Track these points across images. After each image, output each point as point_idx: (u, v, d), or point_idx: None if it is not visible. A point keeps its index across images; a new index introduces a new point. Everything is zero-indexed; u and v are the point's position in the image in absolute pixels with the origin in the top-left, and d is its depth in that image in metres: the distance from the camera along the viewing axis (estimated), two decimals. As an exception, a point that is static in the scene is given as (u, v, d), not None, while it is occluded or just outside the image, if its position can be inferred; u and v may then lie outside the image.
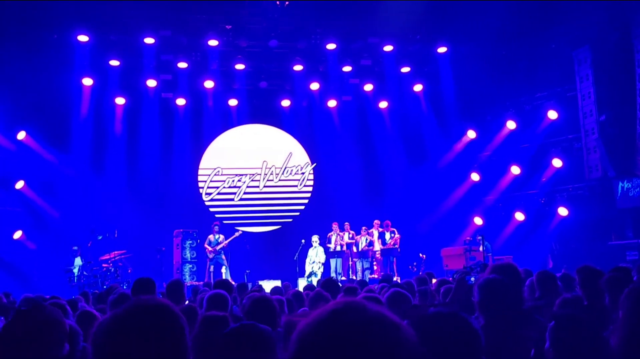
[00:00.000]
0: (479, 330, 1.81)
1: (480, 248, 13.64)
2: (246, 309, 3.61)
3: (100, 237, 14.77)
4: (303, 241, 16.27)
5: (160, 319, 1.69)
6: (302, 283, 14.76)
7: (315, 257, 16.19)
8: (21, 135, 15.38)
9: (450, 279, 7.60)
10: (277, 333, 3.60)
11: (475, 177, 17.63)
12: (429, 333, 1.73)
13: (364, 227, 16.67)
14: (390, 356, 1.07)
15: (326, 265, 16.52)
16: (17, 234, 15.14)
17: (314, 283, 13.20)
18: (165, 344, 1.66)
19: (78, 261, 14.49)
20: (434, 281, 7.94)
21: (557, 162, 15.64)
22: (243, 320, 4.52)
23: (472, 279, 4.40)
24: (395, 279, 12.35)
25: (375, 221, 16.66)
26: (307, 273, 16.06)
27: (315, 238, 16.31)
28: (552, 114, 15.66)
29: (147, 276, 4.91)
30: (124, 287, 11.50)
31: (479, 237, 13.55)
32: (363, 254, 16.43)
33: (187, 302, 6.61)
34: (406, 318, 1.78)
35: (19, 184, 15.41)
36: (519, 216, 16.43)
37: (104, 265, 14.20)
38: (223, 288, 5.59)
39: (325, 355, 1.06)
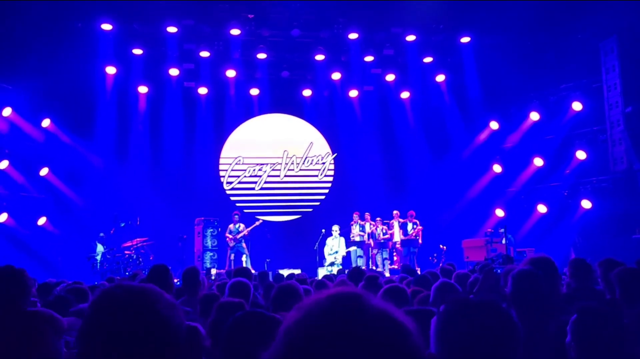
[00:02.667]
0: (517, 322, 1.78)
1: (503, 240, 13.54)
2: (272, 297, 3.62)
3: (123, 225, 14.93)
4: (323, 230, 16.33)
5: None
6: (321, 272, 14.81)
7: (336, 247, 16.23)
8: (46, 122, 15.56)
9: (468, 271, 7.56)
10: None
11: (497, 168, 17.48)
12: (468, 321, 1.71)
13: (378, 219, 16.62)
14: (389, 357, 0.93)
15: (347, 255, 16.56)
16: (42, 221, 15.36)
17: (335, 272, 13.22)
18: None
19: (100, 248, 14.67)
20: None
21: (581, 154, 15.43)
22: (264, 307, 4.55)
23: (498, 271, 4.37)
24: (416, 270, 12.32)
25: (395, 212, 16.62)
26: (327, 263, 16.09)
27: (335, 228, 16.34)
28: (577, 106, 15.44)
29: (163, 264, 4.96)
30: (145, 273, 11.61)
31: (501, 230, 13.43)
32: (383, 245, 16.41)
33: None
34: (444, 304, 1.76)
35: (44, 171, 15.61)
36: (542, 209, 16.28)
37: (126, 252, 14.37)
38: (242, 275, 5.62)
39: (314, 355, 0.93)
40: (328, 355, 0.92)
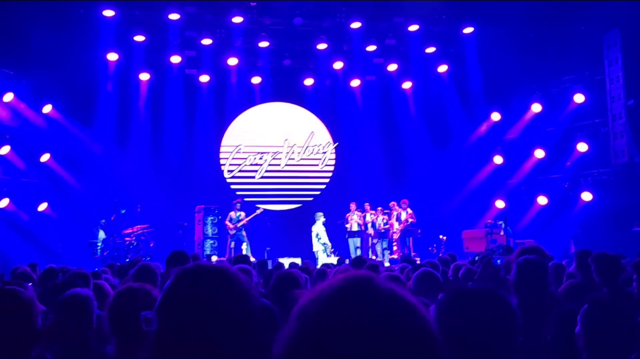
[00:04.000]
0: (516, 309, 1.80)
1: (501, 232, 13.56)
2: (271, 285, 3.63)
3: (123, 211, 14.95)
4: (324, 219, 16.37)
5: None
6: (322, 261, 14.82)
7: (322, 233, 16.30)
8: (47, 108, 15.53)
9: (467, 262, 7.57)
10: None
11: (498, 160, 17.47)
12: (466, 309, 1.72)
13: (379, 208, 16.66)
14: (404, 339, 0.95)
15: (345, 245, 16.60)
16: (42, 207, 15.38)
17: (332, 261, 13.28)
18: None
19: (102, 234, 14.69)
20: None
21: (582, 147, 15.43)
22: (264, 295, 4.56)
23: (498, 261, 4.39)
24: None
25: (392, 203, 16.61)
26: (321, 249, 16.09)
27: (319, 214, 16.41)
28: (579, 98, 15.42)
29: (182, 250, 4.97)
30: (147, 259, 11.65)
31: (500, 222, 13.46)
32: (382, 235, 16.44)
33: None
34: (442, 292, 1.77)
35: (45, 157, 15.61)
36: (542, 200, 16.29)
37: (126, 239, 14.40)
38: (243, 262, 5.64)
39: (329, 336, 0.94)
40: (341, 333, 0.94)
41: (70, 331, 3.34)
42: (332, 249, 16.23)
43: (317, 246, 16.29)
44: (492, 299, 1.75)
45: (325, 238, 16.32)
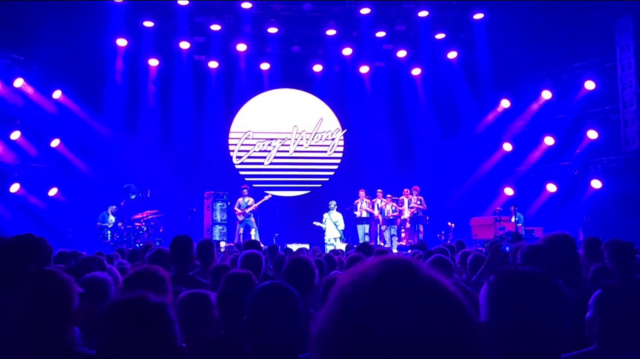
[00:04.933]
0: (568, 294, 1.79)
1: (513, 218, 13.53)
2: (284, 270, 3.66)
3: (133, 197, 15.04)
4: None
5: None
6: (330, 248, 14.87)
7: (340, 221, 16.32)
8: (57, 94, 15.58)
9: (475, 249, 7.57)
10: (314, 293, 3.67)
11: (507, 147, 17.40)
12: (519, 291, 1.71)
13: (389, 195, 16.67)
14: (444, 326, 0.95)
15: (354, 231, 16.63)
16: (53, 192, 15.47)
17: (340, 246, 13.32)
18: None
19: (112, 219, 14.77)
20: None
21: (592, 134, 15.35)
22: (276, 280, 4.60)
23: (507, 248, 4.39)
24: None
25: (405, 190, 16.64)
26: (331, 237, 16.13)
27: (332, 203, 16.43)
28: (590, 85, 15.31)
29: (186, 234, 4.93)
30: (157, 244, 11.72)
31: (513, 207, 13.40)
32: (391, 221, 16.46)
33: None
34: (493, 274, 1.77)
35: (55, 142, 15.68)
36: (551, 188, 16.24)
37: (136, 224, 14.47)
38: (253, 248, 5.66)
39: (370, 321, 0.95)
40: (383, 315, 0.96)
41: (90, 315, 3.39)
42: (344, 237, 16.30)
43: (335, 233, 16.28)
44: (543, 281, 1.75)
45: (342, 225, 16.37)
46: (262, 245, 9.75)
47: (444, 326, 0.96)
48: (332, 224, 16.34)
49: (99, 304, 3.37)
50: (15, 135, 14.54)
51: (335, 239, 16.14)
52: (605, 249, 4.82)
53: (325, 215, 16.52)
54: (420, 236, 15.81)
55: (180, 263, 4.65)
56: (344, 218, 16.56)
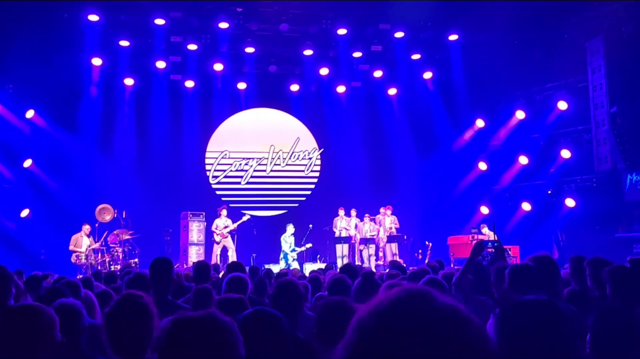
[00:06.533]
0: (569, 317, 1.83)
1: (494, 236, 13.57)
2: (272, 293, 3.61)
3: (108, 218, 14.79)
4: (310, 226, 16.30)
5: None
6: (308, 268, 14.78)
7: (294, 245, 16.15)
8: (30, 113, 15.36)
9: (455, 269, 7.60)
10: (302, 316, 3.62)
11: (483, 166, 17.60)
12: (526, 321, 1.73)
13: (367, 215, 16.67)
14: (463, 354, 0.96)
15: (332, 251, 16.57)
16: (25, 213, 15.18)
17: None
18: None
19: (86, 241, 14.49)
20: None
21: (565, 153, 15.61)
22: (263, 303, 4.53)
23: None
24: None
25: (382, 209, 16.66)
26: (290, 259, 15.94)
27: (290, 227, 16.27)
28: (562, 105, 15.61)
29: (166, 257, 4.84)
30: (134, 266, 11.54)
31: (492, 225, 13.49)
32: (368, 241, 16.45)
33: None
34: (499, 305, 1.79)
35: (27, 163, 15.42)
36: (526, 206, 16.43)
37: (111, 245, 14.23)
38: (238, 270, 5.59)
39: (388, 349, 0.96)
40: (401, 345, 0.96)
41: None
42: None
43: (293, 254, 16.11)
44: (547, 309, 1.77)
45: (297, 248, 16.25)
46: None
47: (462, 354, 0.96)
48: (288, 246, 16.20)
49: (69, 330, 3.27)
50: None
51: (291, 259, 16.03)
52: (588, 266, 4.86)
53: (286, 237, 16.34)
54: (396, 256, 15.79)
55: (160, 286, 4.55)
56: (317, 237, 16.50)
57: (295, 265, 15.15)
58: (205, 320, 1.70)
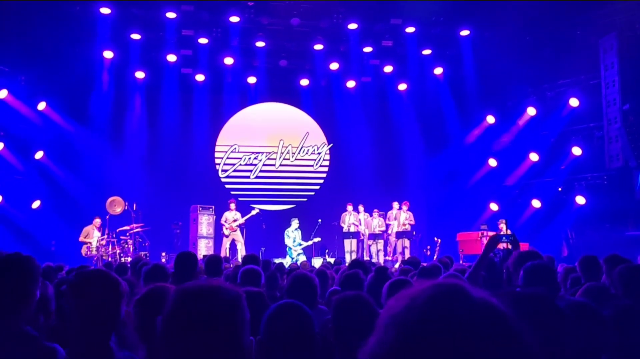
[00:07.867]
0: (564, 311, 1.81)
1: (505, 229, 13.56)
2: (287, 286, 3.62)
3: (119, 210, 14.86)
4: (319, 220, 16.30)
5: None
6: (317, 262, 14.80)
7: (299, 239, 16.12)
8: (42, 106, 15.43)
9: (467, 266, 7.58)
10: (316, 311, 3.63)
11: (493, 162, 17.53)
12: (520, 314, 1.74)
13: (375, 210, 16.64)
14: (502, 349, 0.95)
15: (340, 246, 16.57)
16: (36, 204, 15.27)
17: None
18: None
19: (96, 233, 14.57)
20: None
21: (576, 151, 15.53)
22: (275, 297, 4.55)
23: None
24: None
25: (394, 204, 16.57)
26: (295, 254, 15.94)
27: (295, 221, 16.27)
28: (574, 102, 15.51)
29: (190, 251, 4.87)
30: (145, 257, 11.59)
31: (504, 222, 13.47)
32: (377, 236, 16.42)
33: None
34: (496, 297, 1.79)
35: (39, 155, 15.50)
36: (536, 203, 16.36)
37: (122, 237, 14.30)
38: (252, 262, 5.61)
39: (431, 345, 0.94)
40: (437, 340, 0.94)
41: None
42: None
43: (298, 249, 16.12)
44: (540, 302, 1.77)
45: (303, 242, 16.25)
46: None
47: (501, 349, 0.95)
48: (292, 240, 16.20)
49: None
50: (-1, 147, 14.37)
51: (298, 252, 16.04)
52: (605, 264, 4.86)
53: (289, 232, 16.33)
54: (407, 251, 15.76)
55: (184, 281, 4.56)
56: (326, 231, 16.49)
57: (302, 259, 15.17)
58: (211, 290, 1.65)
